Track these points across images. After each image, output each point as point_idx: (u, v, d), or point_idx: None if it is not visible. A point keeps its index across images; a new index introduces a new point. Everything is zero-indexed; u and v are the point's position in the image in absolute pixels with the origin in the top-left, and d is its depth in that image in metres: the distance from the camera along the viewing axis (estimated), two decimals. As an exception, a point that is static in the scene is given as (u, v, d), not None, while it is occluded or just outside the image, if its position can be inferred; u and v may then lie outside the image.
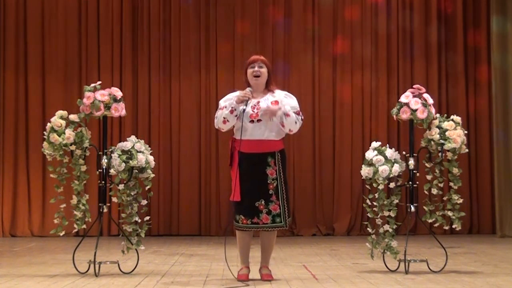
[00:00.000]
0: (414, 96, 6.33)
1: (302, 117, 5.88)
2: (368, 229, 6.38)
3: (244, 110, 5.72)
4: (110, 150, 6.27)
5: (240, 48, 10.54)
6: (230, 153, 5.85)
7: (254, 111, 5.77)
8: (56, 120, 6.21)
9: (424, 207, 6.43)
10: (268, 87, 5.91)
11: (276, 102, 5.79)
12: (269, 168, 5.80)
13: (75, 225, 6.22)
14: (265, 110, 5.75)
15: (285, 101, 5.84)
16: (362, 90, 10.70)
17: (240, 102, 5.75)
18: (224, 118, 5.76)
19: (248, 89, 5.82)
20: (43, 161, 10.10)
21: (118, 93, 6.26)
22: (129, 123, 10.39)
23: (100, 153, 6.27)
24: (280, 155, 5.84)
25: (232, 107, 5.74)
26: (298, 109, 5.87)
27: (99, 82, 6.31)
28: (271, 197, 5.77)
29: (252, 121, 5.77)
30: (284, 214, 5.78)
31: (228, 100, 5.84)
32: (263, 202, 5.75)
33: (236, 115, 5.75)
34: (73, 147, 6.17)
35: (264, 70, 5.88)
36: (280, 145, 5.88)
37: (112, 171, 6.21)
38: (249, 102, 5.76)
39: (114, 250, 7.90)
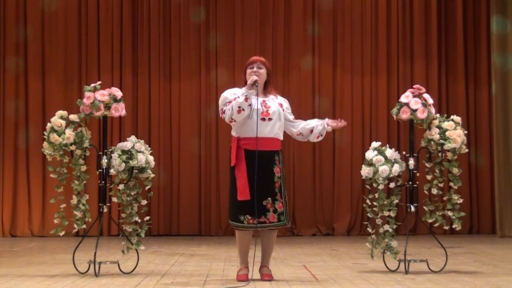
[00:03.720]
0: (414, 96, 6.33)
1: None
2: (368, 229, 6.38)
3: (254, 104, 5.73)
4: (110, 150, 6.27)
5: (240, 48, 10.54)
6: (234, 152, 5.77)
7: (264, 109, 5.78)
8: (56, 120, 6.21)
9: (424, 207, 6.43)
10: (267, 89, 5.92)
11: (281, 105, 5.90)
12: (275, 166, 5.81)
13: (75, 225, 6.22)
14: (335, 126, 6.01)
15: (285, 104, 5.94)
16: (362, 90, 10.71)
17: (250, 89, 5.73)
18: (239, 107, 5.67)
19: (254, 76, 5.80)
20: (43, 161, 10.11)
21: (118, 93, 6.25)
22: (129, 123, 10.39)
23: (100, 153, 6.27)
24: (281, 154, 5.90)
25: (246, 95, 5.70)
26: None
27: (99, 82, 6.31)
28: (276, 195, 5.77)
29: (263, 119, 5.77)
30: (286, 212, 5.80)
31: (234, 95, 5.82)
32: (270, 200, 5.75)
33: (250, 104, 5.71)
34: (73, 147, 6.17)
35: (262, 71, 5.87)
36: (281, 144, 5.92)
37: (112, 171, 6.21)
38: (255, 98, 5.76)
39: (114, 250, 7.91)
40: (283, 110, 5.91)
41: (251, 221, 5.71)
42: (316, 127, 5.97)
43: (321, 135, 5.98)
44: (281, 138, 5.89)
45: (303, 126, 5.98)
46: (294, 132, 5.98)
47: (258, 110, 5.74)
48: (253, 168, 5.70)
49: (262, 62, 5.90)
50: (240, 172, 5.74)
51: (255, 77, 5.78)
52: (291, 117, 5.97)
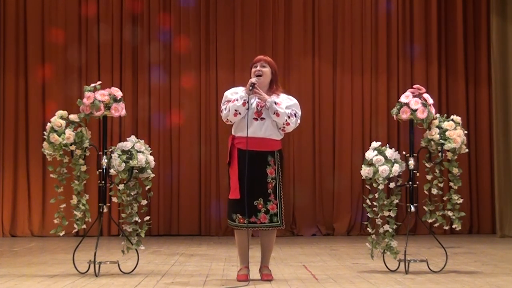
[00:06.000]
0: (414, 96, 6.33)
1: (298, 120, 5.85)
2: (368, 229, 6.38)
3: (251, 104, 5.71)
4: (110, 150, 6.28)
5: (240, 48, 10.52)
6: (229, 151, 5.83)
7: (258, 109, 5.77)
8: (56, 120, 6.21)
9: (424, 207, 6.44)
10: (271, 88, 5.89)
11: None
12: (269, 167, 5.79)
13: (75, 225, 6.22)
14: (261, 96, 5.71)
15: (284, 102, 5.83)
16: (362, 90, 10.71)
17: (248, 92, 5.72)
18: (236, 110, 5.71)
19: (254, 79, 5.79)
20: (43, 161, 10.10)
21: (118, 93, 6.26)
22: (129, 123, 10.39)
23: (100, 153, 6.27)
24: (279, 155, 5.85)
25: (244, 100, 5.71)
26: (292, 111, 5.79)
27: (99, 82, 6.31)
28: (269, 196, 5.75)
29: (255, 119, 5.76)
30: (281, 214, 5.77)
31: (235, 94, 5.81)
32: (261, 201, 5.74)
33: (248, 108, 5.72)
34: (73, 147, 6.17)
35: (266, 70, 5.86)
36: (280, 145, 5.90)
37: (112, 171, 6.21)
38: (254, 99, 5.76)
39: (114, 250, 7.91)
40: None
41: (241, 220, 5.72)
42: (271, 111, 5.75)
43: (276, 111, 5.71)
44: (277, 138, 5.83)
45: (274, 121, 5.81)
46: (281, 130, 5.84)
47: (253, 110, 5.74)
48: (243, 168, 5.71)
49: (266, 61, 5.88)
50: (233, 170, 5.77)
51: (252, 80, 5.78)
52: None
